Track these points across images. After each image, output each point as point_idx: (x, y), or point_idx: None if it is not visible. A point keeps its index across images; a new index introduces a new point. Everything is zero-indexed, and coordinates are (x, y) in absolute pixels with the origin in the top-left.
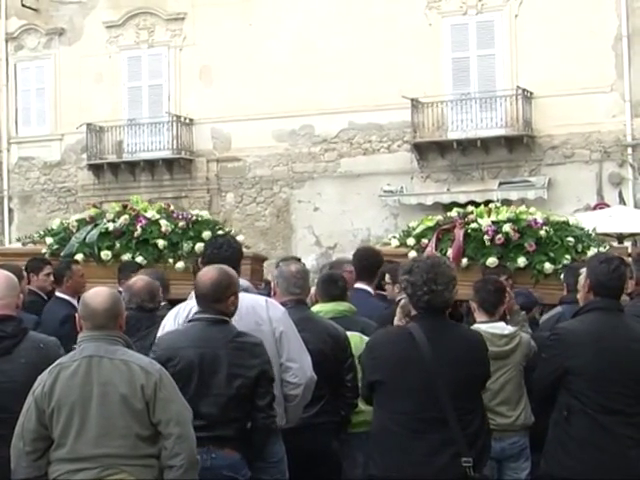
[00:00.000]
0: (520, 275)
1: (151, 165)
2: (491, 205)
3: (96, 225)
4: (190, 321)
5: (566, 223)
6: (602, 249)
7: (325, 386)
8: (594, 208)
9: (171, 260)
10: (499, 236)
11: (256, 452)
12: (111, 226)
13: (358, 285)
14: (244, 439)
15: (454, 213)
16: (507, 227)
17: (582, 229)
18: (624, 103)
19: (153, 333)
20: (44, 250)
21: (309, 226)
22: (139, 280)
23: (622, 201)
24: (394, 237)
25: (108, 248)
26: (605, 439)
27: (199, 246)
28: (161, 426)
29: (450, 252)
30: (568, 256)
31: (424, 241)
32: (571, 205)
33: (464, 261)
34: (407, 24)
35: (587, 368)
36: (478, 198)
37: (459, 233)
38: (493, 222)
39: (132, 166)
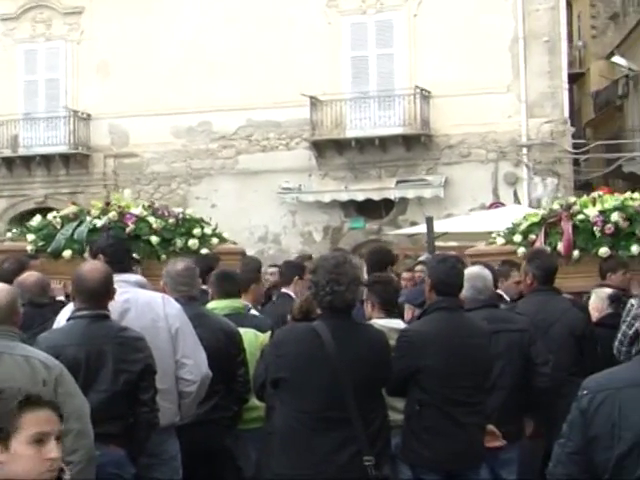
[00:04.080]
0: (633, 263)
1: (47, 160)
2: (594, 194)
3: (82, 222)
4: (71, 318)
5: None
6: None
7: (219, 382)
8: (489, 207)
9: (164, 256)
10: (608, 225)
11: (140, 447)
12: (99, 223)
13: None
14: (128, 435)
15: (557, 206)
16: (615, 216)
17: None
18: (520, 104)
19: (48, 330)
20: (29, 247)
21: None
22: (30, 275)
23: (517, 200)
24: (499, 235)
25: None
26: (452, 428)
27: (192, 242)
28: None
29: (560, 245)
30: None
31: (532, 237)
32: (467, 204)
33: (575, 253)
34: (306, 22)
35: (434, 366)
36: (375, 196)
37: (567, 226)
38: (600, 212)
39: (27, 161)
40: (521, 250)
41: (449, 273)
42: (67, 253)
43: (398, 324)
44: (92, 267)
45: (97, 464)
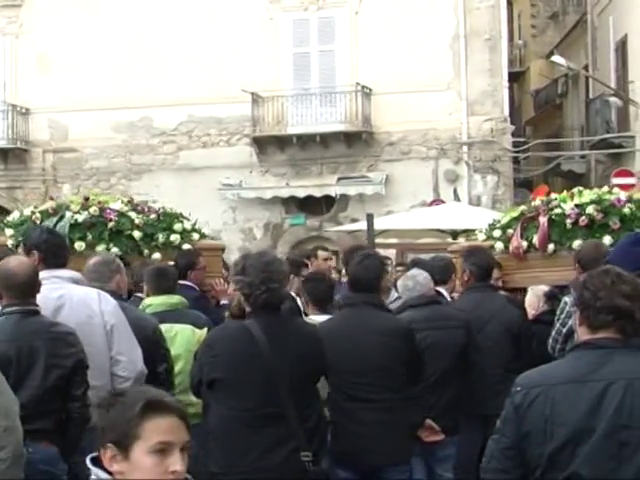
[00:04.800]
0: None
1: None
2: (574, 189)
3: (62, 217)
4: (0, 315)
5: None
6: None
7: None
8: (430, 204)
9: (147, 251)
10: (582, 218)
11: (73, 444)
12: (81, 218)
13: None
14: (60, 432)
15: (538, 201)
16: (590, 208)
17: None
18: (460, 101)
19: None
20: (9, 242)
21: None
22: None
23: (457, 198)
24: (480, 231)
25: (80, 239)
26: (353, 425)
27: (174, 237)
28: None
29: (536, 239)
30: None
31: (510, 231)
32: (408, 201)
33: (550, 247)
34: (248, 18)
35: (331, 362)
36: (317, 193)
37: (543, 220)
38: (576, 205)
39: None
40: (499, 245)
41: (358, 269)
42: None
43: None
44: (20, 262)
45: (28, 461)
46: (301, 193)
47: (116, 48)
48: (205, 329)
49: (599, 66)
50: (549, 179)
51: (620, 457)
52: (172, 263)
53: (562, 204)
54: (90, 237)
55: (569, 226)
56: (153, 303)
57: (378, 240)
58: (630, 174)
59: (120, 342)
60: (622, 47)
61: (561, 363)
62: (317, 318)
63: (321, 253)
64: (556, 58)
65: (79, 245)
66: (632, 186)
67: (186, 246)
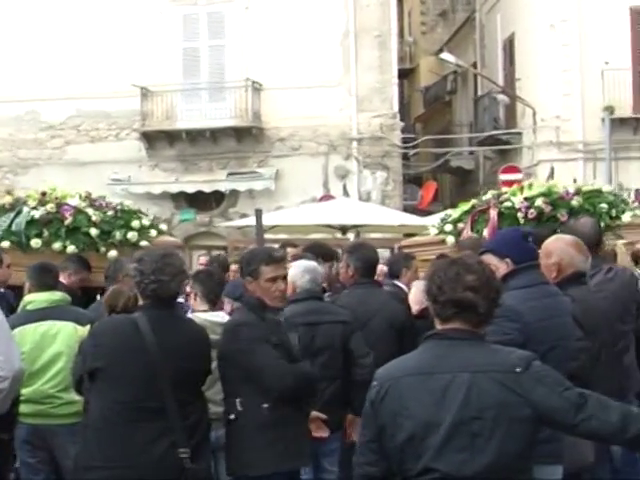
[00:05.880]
0: None
1: None
2: (524, 183)
3: (19, 212)
4: None
5: (598, 190)
6: (638, 212)
7: None
8: (320, 200)
9: (103, 249)
10: (531, 211)
11: None
12: (37, 214)
13: None
14: None
15: (489, 195)
16: (539, 201)
17: (615, 195)
18: (350, 98)
19: None
20: None
21: None
22: None
23: (346, 194)
24: (433, 226)
25: (37, 236)
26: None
27: (132, 235)
28: None
29: (486, 232)
30: (602, 223)
31: (460, 225)
32: (298, 197)
33: None
34: (138, 11)
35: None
36: (206, 188)
37: (493, 213)
38: (525, 198)
39: None
40: (450, 239)
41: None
42: (5, 244)
43: (222, 317)
44: None
45: None
46: (191, 188)
47: (2, 40)
48: (88, 326)
49: (487, 64)
50: (438, 175)
51: (473, 448)
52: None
53: (512, 197)
54: (46, 234)
55: (519, 219)
56: (35, 300)
57: (267, 236)
58: (517, 170)
59: None
60: (509, 45)
61: (413, 355)
62: (204, 316)
63: (290, 250)
64: (445, 55)
65: (35, 242)
66: (519, 182)
67: (143, 243)
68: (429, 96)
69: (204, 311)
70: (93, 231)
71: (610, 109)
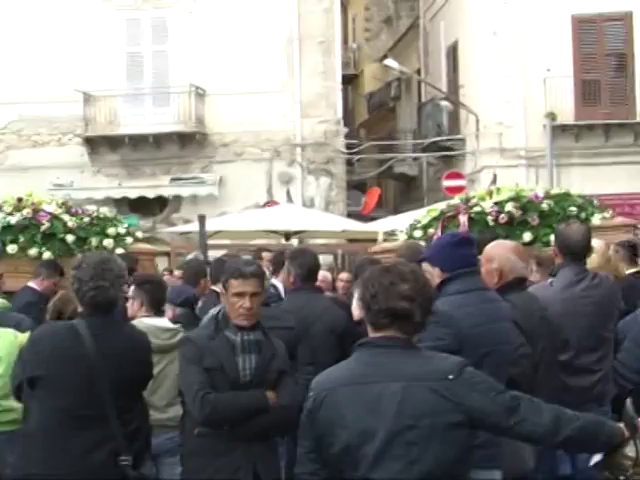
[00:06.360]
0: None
1: None
2: (492, 187)
3: None
4: None
5: (567, 194)
6: (606, 214)
7: None
8: (264, 206)
9: (80, 255)
10: (502, 215)
11: None
12: (13, 220)
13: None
14: None
15: (457, 200)
16: (509, 206)
17: (584, 197)
18: (294, 104)
19: None
20: None
21: None
22: None
23: (290, 199)
24: (401, 232)
25: (12, 242)
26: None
27: (107, 242)
28: None
29: None
30: None
31: (431, 231)
32: (241, 202)
33: None
34: (80, 16)
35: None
36: (149, 194)
37: (463, 219)
38: (495, 203)
39: None
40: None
41: None
42: None
43: (165, 323)
44: None
45: None
46: (133, 194)
47: None
48: (28, 333)
49: (431, 70)
50: (382, 181)
51: (409, 457)
52: None
53: (481, 202)
54: (22, 240)
55: (490, 223)
56: None
57: (211, 242)
58: (460, 176)
59: None
60: (453, 52)
61: (345, 364)
62: (148, 321)
63: (265, 255)
64: (389, 62)
65: (11, 248)
66: (462, 188)
67: (119, 250)
68: (373, 102)
69: (147, 316)
70: (69, 237)
71: (552, 116)
